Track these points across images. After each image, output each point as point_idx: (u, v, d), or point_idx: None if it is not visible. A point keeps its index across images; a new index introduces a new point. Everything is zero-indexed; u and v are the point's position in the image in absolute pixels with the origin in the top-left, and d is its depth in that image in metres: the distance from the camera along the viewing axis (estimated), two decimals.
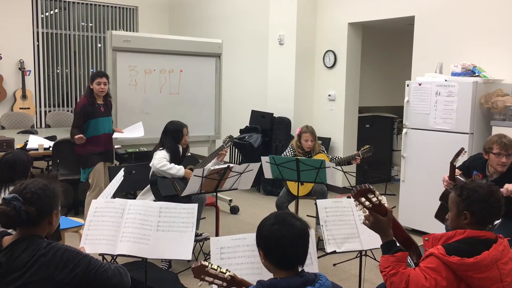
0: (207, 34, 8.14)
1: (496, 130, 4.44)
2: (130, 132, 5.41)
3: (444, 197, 3.67)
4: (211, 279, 1.94)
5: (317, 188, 4.69)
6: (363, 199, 2.07)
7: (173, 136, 4.39)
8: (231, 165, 4.02)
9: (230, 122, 7.83)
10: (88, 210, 3.00)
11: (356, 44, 6.91)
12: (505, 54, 5.04)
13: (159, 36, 6.22)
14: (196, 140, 6.02)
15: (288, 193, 4.78)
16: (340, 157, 5.03)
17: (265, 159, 4.41)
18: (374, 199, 2.08)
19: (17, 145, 5.43)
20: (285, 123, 7.05)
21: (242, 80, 8.26)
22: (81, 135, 4.78)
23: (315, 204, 3.85)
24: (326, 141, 6.84)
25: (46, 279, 1.84)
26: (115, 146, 5.40)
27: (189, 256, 2.88)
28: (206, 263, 1.94)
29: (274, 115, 7.20)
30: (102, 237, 2.86)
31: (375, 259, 4.29)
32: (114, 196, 3.59)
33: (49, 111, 8.83)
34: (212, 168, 4.00)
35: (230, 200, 6.06)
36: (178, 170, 4.24)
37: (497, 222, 2.94)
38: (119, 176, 3.51)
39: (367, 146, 4.80)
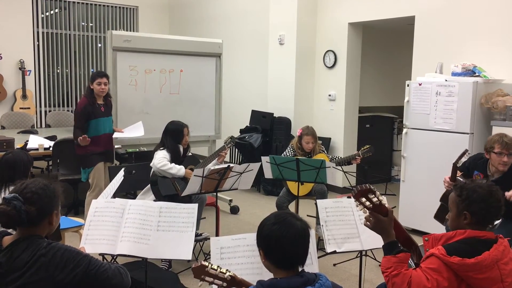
0: (207, 34, 8.14)
1: (496, 130, 4.44)
2: (130, 131, 5.41)
3: (444, 198, 3.66)
4: (211, 279, 1.94)
5: (317, 188, 4.69)
6: (363, 199, 2.07)
7: (174, 136, 4.39)
8: (231, 165, 4.02)
9: (230, 122, 7.83)
10: (88, 210, 3.00)
11: (356, 44, 6.91)
12: (506, 54, 5.04)
13: (159, 36, 6.22)
14: (196, 140, 6.01)
15: (288, 193, 4.78)
16: (340, 157, 5.03)
17: (265, 159, 4.41)
18: (375, 199, 2.07)
19: (17, 145, 5.43)
20: (285, 123, 7.05)
21: (242, 80, 8.26)
22: (85, 136, 4.79)
23: (315, 204, 3.85)
24: (326, 141, 6.84)
25: (46, 279, 1.84)
26: (115, 146, 5.40)
27: (189, 256, 2.88)
28: (206, 263, 1.94)
29: (274, 115, 7.20)
30: (102, 237, 2.86)
31: (375, 259, 4.29)
32: (114, 196, 3.59)
33: (49, 111, 8.83)
34: (212, 168, 4.00)
35: (230, 200, 6.06)
36: (178, 170, 4.24)
37: (497, 222, 2.94)
38: (119, 176, 3.51)
39: (367, 146, 4.80)
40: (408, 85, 5.21)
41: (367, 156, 4.80)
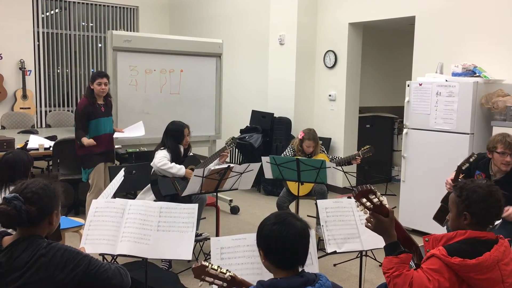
0: (208, 34, 8.14)
1: (496, 131, 4.43)
2: (131, 131, 5.41)
3: (446, 200, 3.66)
4: (211, 279, 1.94)
5: (317, 188, 4.69)
6: (364, 200, 2.07)
7: (175, 137, 4.40)
8: (231, 165, 4.02)
9: (231, 122, 7.83)
10: (89, 210, 3.00)
11: (357, 44, 6.91)
12: (506, 54, 5.04)
13: (159, 36, 6.22)
14: (196, 140, 6.01)
15: (289, 193, 4.78)
16: (340, 157, 5.03)
17: (265, 159, 4.41)
18: (375, 200, 2.07)
19: (18, 145, 5.43)
20: (285, 123, 7.05)
21: (242, 80, 8.26)
22: (91, 140, 4.80)
23: (316, 204, 3.85)
24: (326, 141, 6.84)
25: (46, 279, 1.84)
26: (116, 146, 5.40)
27: (189, 256, 2.88)
28: (207, 263, 1.94)
29: (274, 115, 7.20)
30: (103, 237, 2.86)
31: (375, 259, 4.29)
32: (114, 196, 3.59)
33: (50, 111, 8.83)
34: (212, 168, 4.00)
35: (231, 200, 6.06)
36: (178, 169, 4.24)
37: (497, 222, 2.95)
38: (120, 176, 3.51)
39: (367, 146, 4.81)
40: (408, 85, 5.21)
41: (367, 156, 4.80)
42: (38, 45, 8.87)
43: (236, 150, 7.61)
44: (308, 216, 4.74)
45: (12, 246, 1.89)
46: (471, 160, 3.62)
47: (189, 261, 3.64)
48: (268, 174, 4.47)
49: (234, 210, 5.97)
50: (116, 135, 5.23)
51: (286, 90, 7.18)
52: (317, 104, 7.26)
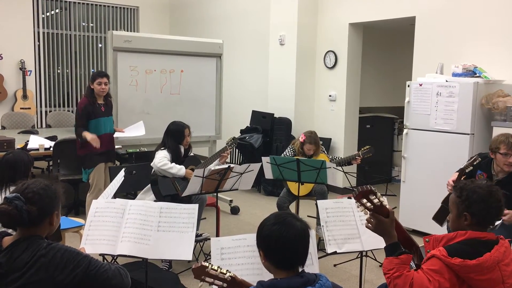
0: (208, 34, 8.14)
1: (497, 131, 4.43)
2: (131, 131, 5.40)
3: (446, 201, 3.65)
4: (211, 279, 1.94)
5: (317, 188, 4.69)
6: (364, 201, 2.06)
7: (175, 137, 4.40)
8: (231, 165, 4.02)
9: (231, 122, 7.83)
10: (89, 210, 3.00)
11: (357, 45, 6.91)
12: (506, 55, 5.04)
13: (160, 37, 6.22)
14: (196, 140, 6.01)
15: (289, 193, 4.78)
16: (340, 158, 5.03)
17: (265, 160, 4.41)
18: (376, 200, 2.07)
19: (18, 145, 5.43)
20: (285, 123, 7.05)
21: (242, 80, 8.26)
22: (94, 135, 4.78)
23: (316, 204, 3.85)
24: (326, 142, 6.84)
25: (46, 280, 1.84)
26: (116, 147, 5.40)
27: (189, 257, 2.87)
28: (207, 264, 1.94)
29: (274, 115, 7.20)
30: (103, 237, 2.85)
31: (375, 259, 4.29)
32: (114, 196, 3.59)
33: (50, 111, 8.83)
34: (213, 168, 4.00)
35: (231, 201, 6.06)
36: (178, 169, 4.25)
37: (498, 222, 2.95)
38: (120, 177, 3.51)
39: (367, 147, 4.81)
40: (408, 86, 5.21)
41: (367, 157, 4.81)
42: (39, 45, 8.87)
43: (236, 150, 7.61)
44: (308, 216, 4.74)
45: (12, 246, 1.89)
46: (475, 163, 3.61)
47: (189, 261, 3.64)
48: (269, 174, 4.47)
49: (234, 211, 5.97)
50: (116, 134, 5.23)
51: (286, 91, 7.18)
52: (317, 105, 7.26)
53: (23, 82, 8.42)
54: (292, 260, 1.83)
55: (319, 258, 3.02)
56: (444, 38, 5.56)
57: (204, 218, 4.54)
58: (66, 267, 1.87)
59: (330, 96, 7.03)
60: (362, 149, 4.82)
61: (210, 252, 2.51)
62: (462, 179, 3.65)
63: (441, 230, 3.62)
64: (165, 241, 2.88)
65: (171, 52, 5.98)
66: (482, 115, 4.77)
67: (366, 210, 2.08)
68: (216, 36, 7.54)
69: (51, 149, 5.45)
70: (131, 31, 9.69)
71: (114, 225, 2.89)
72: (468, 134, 4.73)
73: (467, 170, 3.63)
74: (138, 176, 4.59)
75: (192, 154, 4.60)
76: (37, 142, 5.62)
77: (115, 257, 3.37)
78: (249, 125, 7.44)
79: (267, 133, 7.15)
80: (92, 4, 9.42)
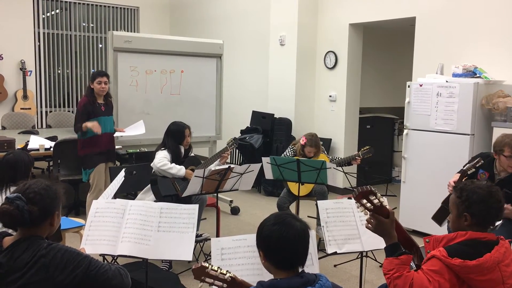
0: (208, 35, 8.15)
1: (497, 131, 4.43)
2: (131, 130, 5.40)
3: (447, 202, 3.64)
4: (211, 280, 1.94)
5: (318, 189, 4.70)
6: (364, 201, 2.07)
7: (175, 137, 4.40)
8: (231, 165, 4.02)
9: (231, 122, 7.83)
10: (89, 210, 3.00)
11: (357, 45, 6.91)
12: (506, 55, 5.04)
13: (160, 37, 6.22)
14: (197, 140, 6.01)
15: (289, 194, 4.78)
16: (340, 158, 5.03)
17: (266, 160, 4.41)
18: (376, 201, 2.07)
19: (18, 145, 5.43)
20: (286, 123, 7.05)
21: (243, 80, 8.26)
22: (95, 122, 4.76)
23: (316, 205, 3.85)
24: (327, 142, 6.84)
25: (46, 280, 1.84)
26: (116, 147, 5.40)
27: (189, 257, 2.87)
28: (207, 265, 1.94)
29: (275, 116, 7.20)
30: (103, 237, 2.86)
31: (376, 260, 4.29)
32: (115, 196, 3.59)
33: (50, 112, 8.83)
34: (213, 168, 4.00)
35: (231, 201, 6.06)
36: (178, 170, 4.25)
37: (498, 223, 2.94)
38: (120, 177, 3.51)
39: (367, 147, 4.81)
40: (408, 86, 5.21)
41: (367, 157, 4.81)
42: (39, 45, 8.87)
43: (237, 150, 7.61)
44: (308, 216, 4.74)
45: (13, 246, 1.89)
46: (477, 166, 3.60)
47: (189, 261, 3.63)
48: (269, 174, 4.47)
49: (235, 211, 5.97)
50: (117, 134, 5.23)
51: (286, 91, 7.18)
52: (317, 105, 7.26)
53: (24, 82, 8.42)
54: (292, 260, 1.83)
55: (319, 258, 3.02)
56: (444, 38, 5.56)
57: (204, 218, 4.54)
58: (66, 267, 1.87)
59: (330, 96, 7.03)
60: (362, 149, 4.82)
61: (210, 252, 2.51)
62: (463, 180, 3.64)
63: (441, 231, 3.61)
64: (165, 241, 2.88)
65: (171, 52, 5.98)
66: (482, 116, 4.77)
67: (366, 210, 2.08)
68: (216, 36, 7.54)
69: (51, 149, 5.45)
70: (131, 32, 9.70)
71: (114, 225, 2.89)
72: (468, 134, 4.73)
73: (469, 172, 3.61)
74: (138, 177, 4.59)
75: (192, 154, 4.60)
76: (38, 142, 5.62)
77: (115, 258, 3.37)
78: (249, 126, 7.45)
79: (267, 134, 7.15)
80: (92, 5, 9.43)
